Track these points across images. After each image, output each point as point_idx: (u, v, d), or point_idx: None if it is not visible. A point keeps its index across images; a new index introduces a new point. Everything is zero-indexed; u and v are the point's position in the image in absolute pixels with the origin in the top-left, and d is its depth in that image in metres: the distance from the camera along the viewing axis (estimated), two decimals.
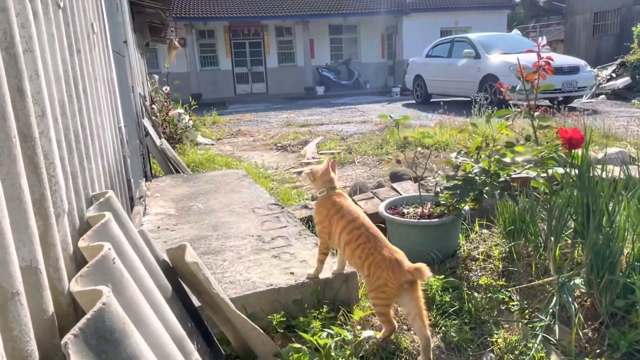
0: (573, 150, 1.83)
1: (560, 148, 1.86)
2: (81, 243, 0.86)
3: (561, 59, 10.24)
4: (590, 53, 18.41)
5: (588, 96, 10.86)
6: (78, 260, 0.93)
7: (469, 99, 9.19)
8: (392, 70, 20.72)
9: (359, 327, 1.80)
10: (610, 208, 1.73)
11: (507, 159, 1.99)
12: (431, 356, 1.57)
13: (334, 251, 2.04)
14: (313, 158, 5.98)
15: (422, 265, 1.54)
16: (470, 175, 2.07)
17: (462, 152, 2.22)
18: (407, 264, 1.58)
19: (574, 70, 9.70)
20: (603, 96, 11.24)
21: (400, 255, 1.62)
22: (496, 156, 1.98)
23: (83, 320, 0.61)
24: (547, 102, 9.99)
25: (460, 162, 2.15)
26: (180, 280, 1.45)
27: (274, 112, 12.96)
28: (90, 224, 1.02)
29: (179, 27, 16.34)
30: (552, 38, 23.43)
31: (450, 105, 10.55)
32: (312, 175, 1.89)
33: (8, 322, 0.56)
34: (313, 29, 19.59)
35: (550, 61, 2.27)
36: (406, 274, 1.54)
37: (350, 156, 5.89)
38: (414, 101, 13.35)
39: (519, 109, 2.52)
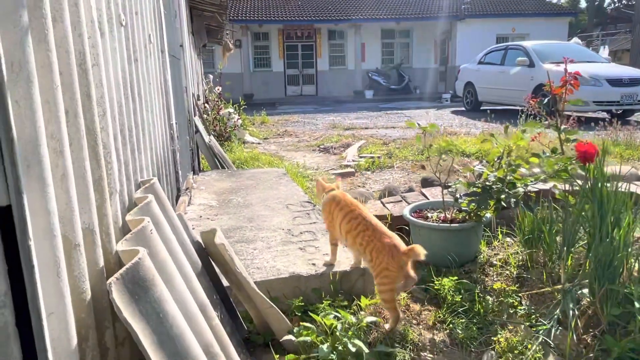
0: (587, 164, 1.89)
1: (574, 161, 1.92)
2: (128, 217, 1.09)
3: (622, 71, 9.81)
4: None
5: None
6: (125, 231, 1.16)
7: (521, 108, 9.02)
8: (444, 76, 20.46)
9: (362, 313, 1.95)
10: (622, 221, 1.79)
11: (523, 169, 2.07)
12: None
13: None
14: (353, 161, 6.14)
15: (415, 246, 1.70)
16: (487, 184, 2.16)
17: (485, 160, 2.31)
18: (403, 247, 1.74)
19: (635, 82, 9.26)
20: None
21: (397, 240, 1.78)
22: (511, 166, 2.06)
23: (123, 269, 0.82)
24: (604, 115, 9.61)
25: (480, 171, 2.25)
26: (211, 260, 1.67)
27: (321, 114, 13.22)
28: (136, 204, 1.25)
29: (235, 29, 16.99)
30: (618, 47, 22.23)
31: (498, 113, 10.37)
32: (318, 185, 2.20)
33: (72, 264, 0.78)
34: (365, 33, 19.72)
35: (578, 76, 2.32)
36: (403, 257, 1.70)
37: (390, 161, 5.99)
38: (463, 108, 13.18)
39: (547, 122, 2.57)
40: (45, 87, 0.72)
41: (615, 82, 9.13)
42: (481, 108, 12.37)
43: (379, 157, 6.14)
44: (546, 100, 2.52)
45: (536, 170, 2.10)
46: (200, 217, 2.99)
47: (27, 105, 0.65)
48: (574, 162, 1.94)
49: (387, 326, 1.85)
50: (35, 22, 0.70)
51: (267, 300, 1.59)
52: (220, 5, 6.99)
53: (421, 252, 1.68)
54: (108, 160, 1.03)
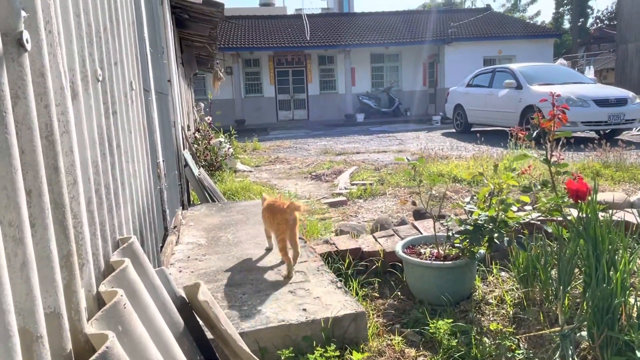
0: (579, 201, 1.86)
1: (566, 199, 1.89)
2: (101, 288, 1.03)
3: (608, 91, 9.97)
4: None
5: (638, 129, 10.44)
6: (101, 300, 1.10)
7: (509, 129, 9.10)
8: (434, 98, 20.72)
9: None
10: (617, 260, 1.75)
11: (514, 208, 2.04)
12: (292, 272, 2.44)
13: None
14: (345, 188, 6.10)
15: (292, 202, 2.45)
16: (479, 222, 2.12)
17: (475, 197, 2.28)
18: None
19: (622, 102, 9.40)
20: None
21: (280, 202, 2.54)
22: (502, 205, 2.03)
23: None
24: (592, 134, 9.71)
25: (471, 209, 2.21)
26: (195, 315, 1.60)
27: (313, 139, 13.25)
28: (113, 267, 1.19)
29: (226, 58, 17.15)
30: (602, 66, 22.70)
31: (487, 136, 10.44)
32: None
33: None
34: (355, 58, 20.00)
35: (566, 110, 2.31)
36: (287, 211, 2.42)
37: (382, 187, 5.96)
38: (454, 130, 13.29)
39: (536, 154, 2.55)
40: (1, 174, 0.67)
41: (602, 102, 9.26)
42: (471, 130, 12.49)
43: (370, 184, 6.11)
44: (535, 133, 2.51)
45: (527, 207, 2.07)
46: (189, 257, 2.91)
47: None
48: (565, 200, 1.91)
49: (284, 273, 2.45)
50: None
51: (255, 358, 1.52)
52: (210, 36, 7.05)
53: (300, 206, 2.46)
54: (79, 231, 0.98)
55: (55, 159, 0.87)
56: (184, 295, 1.60)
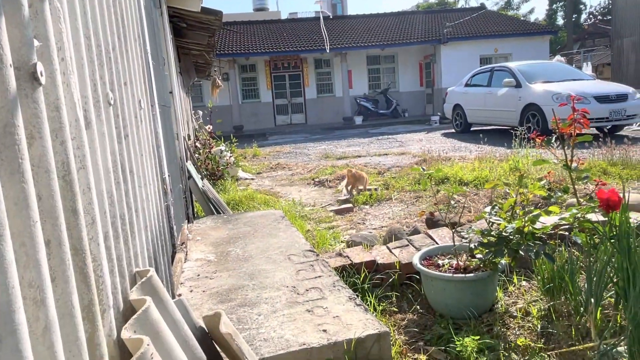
0: (611, 212, 1.79)
1: (597, 209, 1.82)
2: (124, 334, 0.94)
3: (608, 87, 9.93)
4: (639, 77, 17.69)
5: (639, 124, 10.41)
6: (122, 345, 1.01)
7: (513, 128, 9.04)
8: (431, 98, 20.68)
9: None
10: None
11: (542, 219, 1.96)
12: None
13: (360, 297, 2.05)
14: (350, 194, 6.02)
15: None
16: (504, 234, 2.05)
17: (497, 207, 2.21)
18: None
19: (622, 97, 9.36)
20: None
21: None
22: (530, 216, 1.96)
23: None
24: (594, 131, 9.66)
25: (495, 221, 2.13)
26: (216, 346, 1.51)
27: (312, 143, 13.16)
28: (133, 306, 1.10)
29: (222, 64, 17.07)
30: (598, 62, 22.71)
31: (489, 135, 10.39)
32: None
33: None
34: (351, 60, 19.94)
35: (587, 110, 2.24)
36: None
37: (388, 192, 5.88)
38: (453, 130, 13.23)
39: (556, 159, 2.48)
40: (19, 229, 0.59)
41: (602, 99, 9.22)
42: (471, 129, 12.44)
43: (376, 189, 6.03)
44: (554, 138, 2.44)
45: (555, 218, 1.99)
46: (199, 275, 2.82)
47: None
48: (596, 210, 1.84)
49: None
50: (5, 152, 0.58)
51: None
52: (208, 44, 6.97)
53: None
54: (99, 275, 0.89)
55: (73, 201, 0.79)
56: (203, 325, 1.52)
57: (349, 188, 6.00)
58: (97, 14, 1.19)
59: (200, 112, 10.67)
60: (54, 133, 0.76)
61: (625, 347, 1.68)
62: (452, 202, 2.28)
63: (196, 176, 4.64)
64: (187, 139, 6.10)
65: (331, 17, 22.33)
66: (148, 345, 0.87)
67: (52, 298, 0.65)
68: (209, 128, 8.39)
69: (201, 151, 7.17)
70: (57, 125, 0.76)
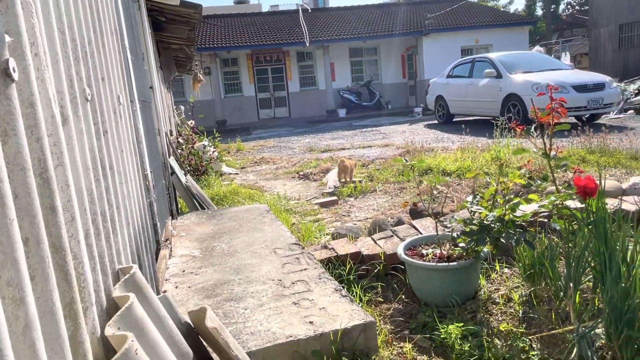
0: (588, 198, 1.83)
1: (574, 196, 1.86)
2: (108, 330, 0.94)
3: (586, 77, 10.10)
4: (616, 66, 18.04)
5: (615, 112, 10.63)
6: (106, 342, 1.01)
7: (494, 118, 9.15)
8: (414, 90, 20.78)
9: None
10: (629, 257, 1.72)
11: (523, 207, 2.00)
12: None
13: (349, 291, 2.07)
14: (335, 187, 6.04)
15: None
16: (485, 222, 2.08)
17: (478, 196, 2.24)
18: None
19: (600, 87, 9.54)
20: (632, 111, 10.98)
21: None
22: (510, 204, 1.99)
23: None
24: (573, 120, 9.83)
25: (476, 210, 2.17)
26: (202, 340, 1.52)
27: (296, 137, 13.13)
28: (116, 303, 1.10)
29: (203, 59, 16.87)
30: (576, 51, 23.08)
31: (471, 125, 10.50)
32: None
33: None
34: (333, 53, 19.90)
35: (566, 99, 2.28)
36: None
37: (372, 184, 5.91)
38: (436, 122, 13.33)
39: (535, 148, 2.52)
40: None
41: (581, 88, 9.38)
42: (454, 120, 12.55)
43: (360, 181, 6.06)
44: (533, 127, 2.48)
45: (534, 206, 2.03)
46: (184, 271, 2.81)
47: None
48: (573, 197, 1.88)
49: None
50: None
51: None
52: (188, 38, 6.88)
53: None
54: (80, 272, 0.88)
55: (51, 198, 0.78)
56: (189, 320, 1.52)
57: (340, 177, 6.05)
58: (72, 7, 1.17)
59: (182, 108, 10.55)
60: (29, 130, 0.74)
61: (603, 329, 1.74)
62: (435, 193, 2.30)
63: (179, 172, 4.59)
64: (169, 135, 6.04)
65: (310, 10, 22.16)
66: (132, 341, 0.87)
67: (32, 296, 0.65)
68: (191, 123, 8.31)
69: (184, 147, 7.10)
70: (32, 121, 0.75)
